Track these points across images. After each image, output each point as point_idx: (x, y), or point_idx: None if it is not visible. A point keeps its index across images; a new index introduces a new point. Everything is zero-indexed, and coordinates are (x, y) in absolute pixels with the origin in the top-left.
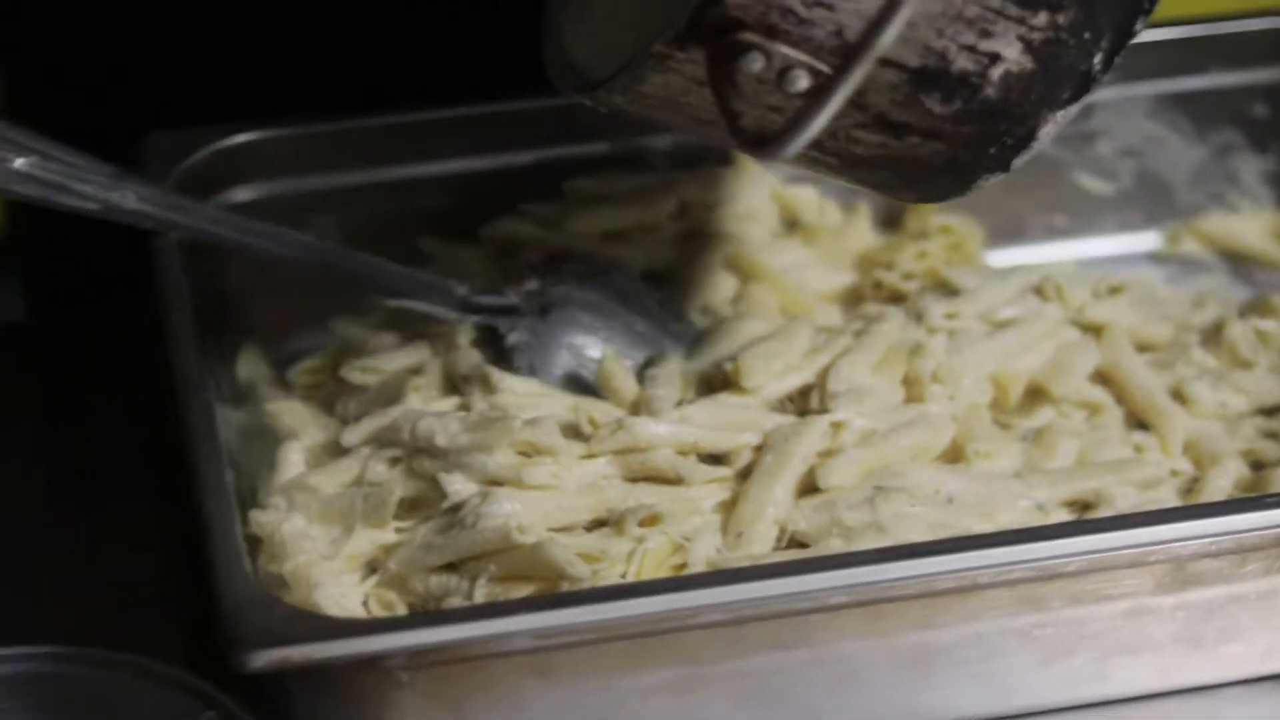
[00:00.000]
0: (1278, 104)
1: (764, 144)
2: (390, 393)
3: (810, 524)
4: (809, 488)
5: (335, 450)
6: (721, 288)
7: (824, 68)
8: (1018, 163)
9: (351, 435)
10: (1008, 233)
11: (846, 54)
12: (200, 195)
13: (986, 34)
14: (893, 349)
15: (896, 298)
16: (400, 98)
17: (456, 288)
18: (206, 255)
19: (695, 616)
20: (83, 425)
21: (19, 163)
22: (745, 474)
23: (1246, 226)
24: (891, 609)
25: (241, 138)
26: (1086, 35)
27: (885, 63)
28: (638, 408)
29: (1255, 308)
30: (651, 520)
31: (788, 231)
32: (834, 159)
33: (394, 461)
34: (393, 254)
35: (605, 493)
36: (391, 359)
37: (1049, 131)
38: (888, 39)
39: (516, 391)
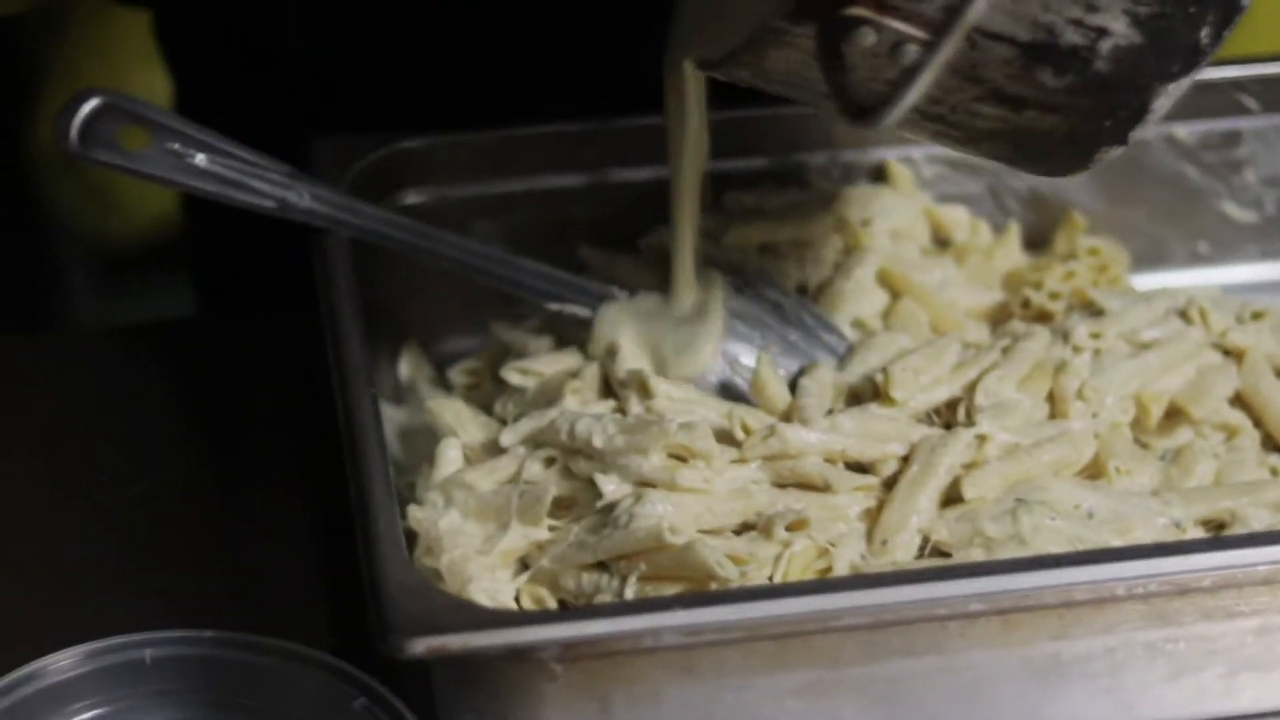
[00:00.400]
0: None
1: (866, 113)
2: (548, 394)
3: (953, 534)
4: (953, 498)
5: (493, 449)
6: (873, 302)
7: (935, 42)
8: (1134, 135)
9: (509, 435)
10: (1153, 258)
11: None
12: (370, 198)
13: (1092, 8)
14: (1038, 366)
15: (1043, 316)
16: (561, 110)
17: (614, 294)
18: (373, 256)
19: (837, 619)
20: (249, 418)
21: (200, 159)
22: (891, 483)
23: None
24: (1026, 619)
25: (409, 143)
26: (1192, 9)
27: (994, 37)
28: (789, 415)
29: None
30: (798, 525)
31: (939, 249)
32: (959, 132)
33: (549, 461)
34: (553, 261)
35: (754, 497)
36: (550, 362)
37: (1162, 104)
38: (978, 9)
39: (672, 397)
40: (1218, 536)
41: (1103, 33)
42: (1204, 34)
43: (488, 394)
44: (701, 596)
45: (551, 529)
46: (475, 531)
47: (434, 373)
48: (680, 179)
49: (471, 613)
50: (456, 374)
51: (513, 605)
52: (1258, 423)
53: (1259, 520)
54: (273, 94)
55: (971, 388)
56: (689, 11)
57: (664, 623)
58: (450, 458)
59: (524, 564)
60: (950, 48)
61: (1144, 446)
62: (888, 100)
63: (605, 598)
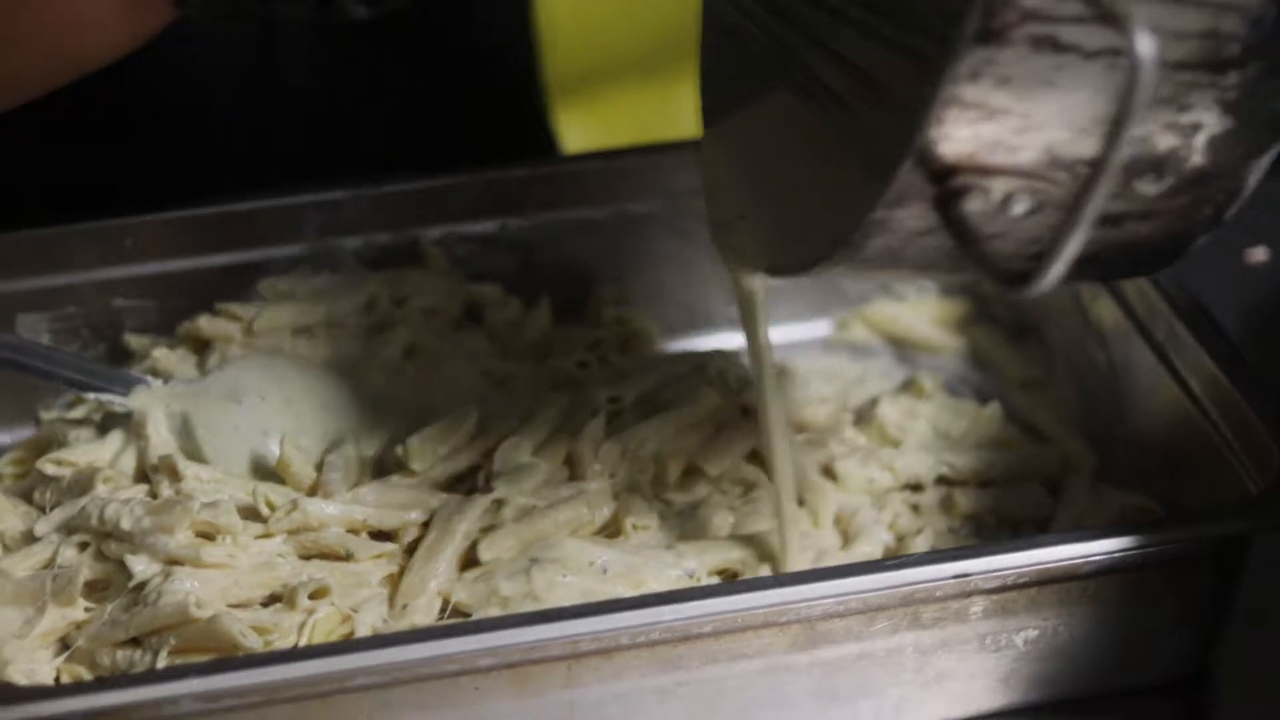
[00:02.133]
0: None
1: (1021, 280)
2: (83, 484)
3: (470, 595)
4: (471, 561)
5: (31, 538)
6: (405, 376)
7: (1044, 185)
8: (1229, 215)
9: (43, 524)
10: (691, 324)
11: (1077, 168)
12: None
13: (1185, 107)
14: (556, 431)
15: (570, 383)
16: (103, 204)
17: (147, 381)
18: None
19: (350, 679)
20: None
21: None
22: (412, 549)
23: (910, 313)
24: (536, 670)
25: None
26: (1274, 79)
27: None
28: (315, 490)
29: (907, 388)
30: (320, 593)
31: (473, 324)
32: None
33: (83, 546)
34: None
35: (279, 569)
36: (86, 451)
37: (1255, 177)
38: (1123, 152)
39: (200, 478)
40: (717, 585)
41: (1196, 128)
42: None
43: (33, 483)
44: (218, 663)
45: (87, 610)
46: (13, 616)
47: None
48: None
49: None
50: (4, 465)
51: (50, 683)
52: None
53: (767, 569)
54: None
55: (489, 454)
56: (753, 228)
57: (182, 690)
58: None
59: (65, 645)
60: (1103, 190)
61: (666, 503)
62: (1043, 259)
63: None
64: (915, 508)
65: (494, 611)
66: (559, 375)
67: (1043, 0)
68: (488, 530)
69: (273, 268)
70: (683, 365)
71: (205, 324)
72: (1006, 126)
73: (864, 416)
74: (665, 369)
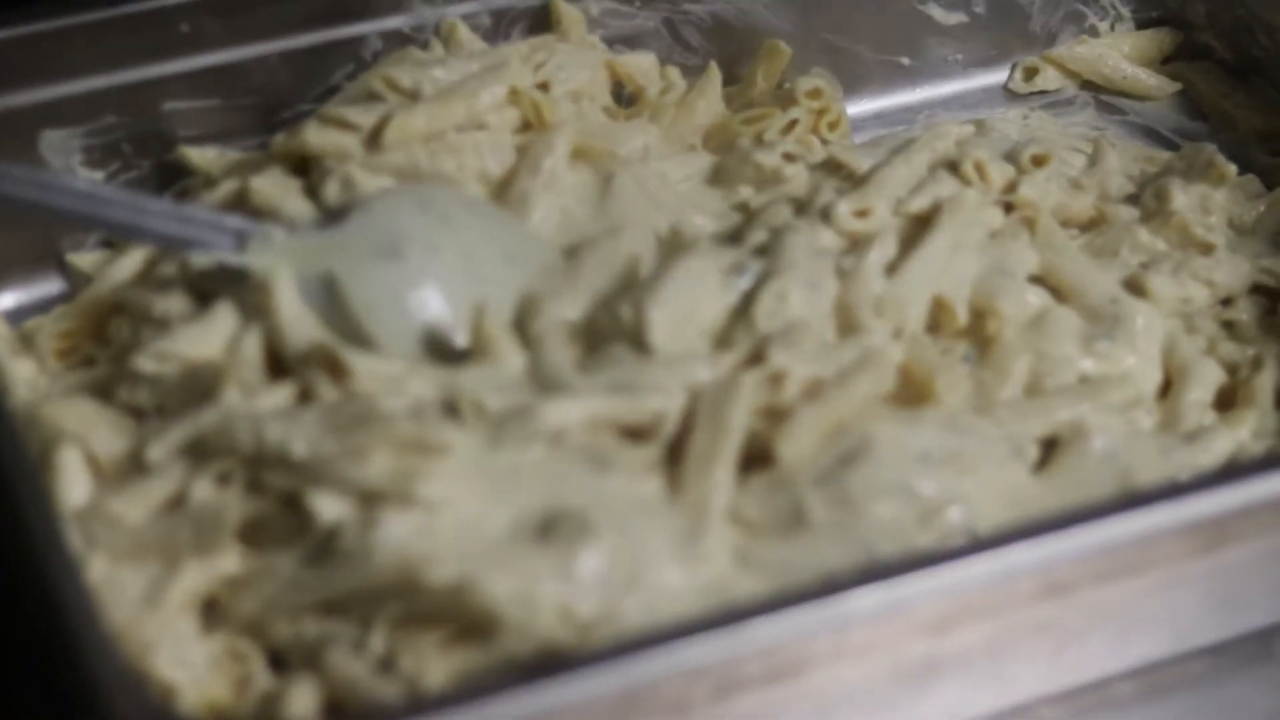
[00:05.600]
0: None
1: None
2: (202, 385)
3: (764, 512)
4: (751, 458)
5: (139, 463)
6: (577, 192)
7: None
8: None
9: (158, 447)
10: (849, 79)
11: None
12: None
13: None
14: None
15: (773, 179)
16: None
17: (266, 231)
18: None
19: None
20: None
21: None
22: (675, 449)
23: (1108, 51)
24: None
25: None
26: None
27: None
28: (532, 375)
29: (1192, 169)
30: (584, 527)
31: (624, 108)
32: None
33: (223, 477)
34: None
35: (519, 493)
36: (191, 338)
37: None
38: None
39: (376, 374)
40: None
41: None
42: None
43: (85, 359)
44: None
45: (241, 561)
46: (134, 578)
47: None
48: None
49: None
50: (45, 336)
51: (208, 673)
52: (1064, 298)
53: (1106, 431)
54: None
55: (745, 310)
56: None
57: None
58: (72, 475)
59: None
60: None
61: (944, 351)
62: None
63: (341, 651)
64: (1229, 326)
65: (798, 534)
66: (762, 175)
67: None
68: (771, 415)
69: (367, 49)
70: (922, 156)
71: (314, 134)
72: None
73: (1149, 209)
74: (901, 165)
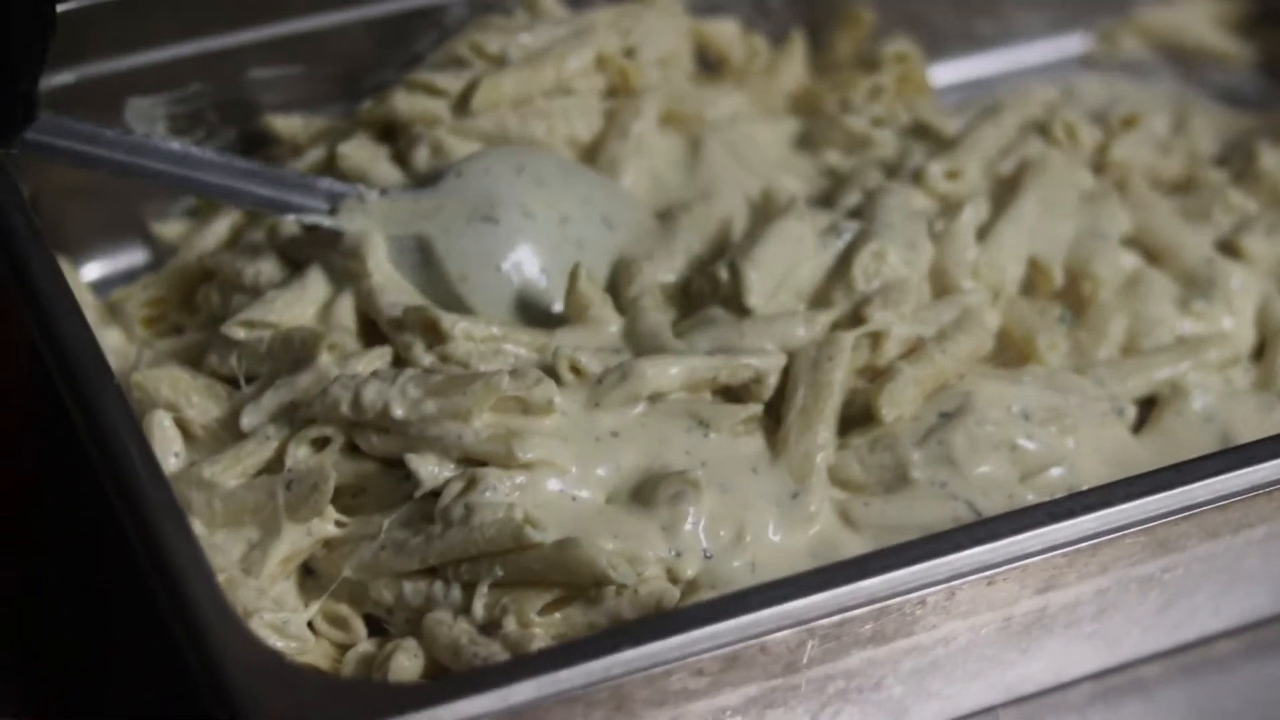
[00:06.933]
0: None
1: None
2: (296, 351)
3: (868, 471)
4: (849, 419)
5: (231, 428)
6: (667, 155)
7: None
8: None
9: (252, 414)
10: (929, 47)
11: None
12: None
13: None
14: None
15: (862, 143)
16: None
17: (359, 192)
18: None
19: None
20: None
21: None
22: (773, 407)
23: (1189, 17)
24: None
25: None
26: None
27: None
28: (629, 338)
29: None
30: (686, 489)
31: (708, 74)
32: None
33: (319, 442)
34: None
35: (621, 453)
36: (283, 304)
37: None
38: None
39: (474, 336)
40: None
41: None
42: None
43: (173, 324)
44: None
45: (339, 524)
46: (232, 542)
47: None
48: None
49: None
50: (133, 305)
51: (308, 633)
52: (1156, 260)
53: (1205, 389)
54: None
55: (842, 270)
56: None
57: None
58: (167, 441)
59: (306, 570)
60: None
61: (1040, 312)
62: None
63: (443, 613)
64: None
65: (901, 492)
66: (851, 139)
67: None
68: (871, 374)
69: (450, 16)
70: (1011, 118)
71: (402, 100)
72: None
73: (1238, 170)
74: (990, 126)
